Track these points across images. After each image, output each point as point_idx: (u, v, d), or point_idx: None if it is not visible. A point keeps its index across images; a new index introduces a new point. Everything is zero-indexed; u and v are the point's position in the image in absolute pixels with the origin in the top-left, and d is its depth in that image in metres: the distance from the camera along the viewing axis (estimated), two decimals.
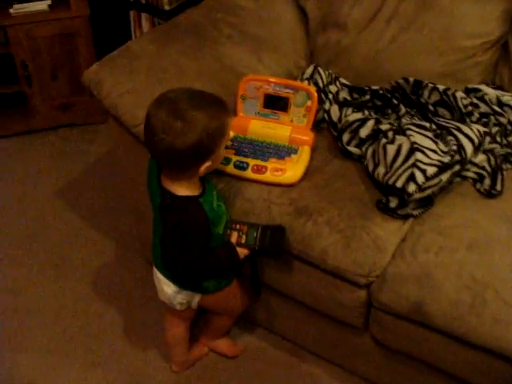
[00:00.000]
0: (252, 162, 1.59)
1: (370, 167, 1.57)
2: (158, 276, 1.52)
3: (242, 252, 1.44)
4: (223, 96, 1.63)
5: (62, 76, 2.66)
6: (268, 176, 1.57)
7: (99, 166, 2.56)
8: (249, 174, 1.58)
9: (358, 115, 1.65)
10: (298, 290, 1.58)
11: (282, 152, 1.62)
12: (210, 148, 1.27)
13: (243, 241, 1.44)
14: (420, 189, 1.44)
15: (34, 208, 2.36)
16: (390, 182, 1.47)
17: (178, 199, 1.33)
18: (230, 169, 1.59)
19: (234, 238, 1.45)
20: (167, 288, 1.52)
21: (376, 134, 1.60)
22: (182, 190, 1.34)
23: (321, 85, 1.80)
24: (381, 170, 1.52)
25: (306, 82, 1.81)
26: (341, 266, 1.44)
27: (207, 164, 1.29)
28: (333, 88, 1.79)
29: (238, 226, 1.46)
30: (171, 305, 1.56)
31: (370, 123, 1.62)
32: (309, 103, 1.63)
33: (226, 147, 1.59)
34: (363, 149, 1.62)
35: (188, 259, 1.35)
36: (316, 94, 1.62)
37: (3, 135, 2.73)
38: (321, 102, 1.76)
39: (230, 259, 1.43)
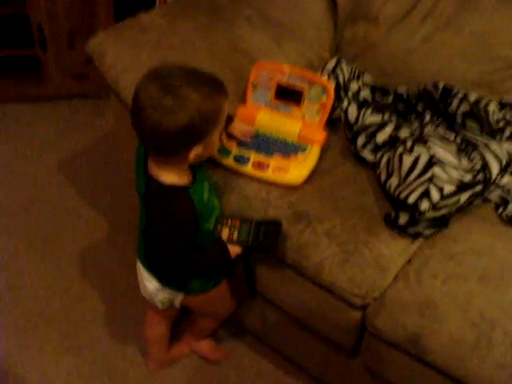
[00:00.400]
0: (254, 156, 1.46)
1: (383, 177, 1.42)
2: (141, 270, 1.39)
3: (234, 250, 1.30)
4: (233, 81, 1.53)
5: (79, 44, 2.53)
6: (269, 174, 1.43)
7: (105, 141, 2.45)
8: (248, 169, 1.44)
9: (377, 118, 1.50)
10: (290, 301, 1.45)
11: (289, 149, 1.48)
12: (201, 131, 1.13)
13: (235, 237, 1.30)
14: (434, 207, 1.29)
15: (32, 178, 2.26)
16: (402, 196, 1.33)
17: (164, 188, 1.20)
18: (229, 161, 1.46)
19: (225, 234, 1.31)
20: (149, 284, 1.39)
21: (394, 141, 1.45)
22: (170, 177, 1.20)
23: (341, 80, 1.65)
24: (393, 181, 1.37)
25: (326, 76, 1.66)
26: (336, 283, 1.31)
27: (198, 150, 1.16)
28: (354, 85, 1.64)
29: (229, 222, 1.33)
30: (152, 302, 1.44)
31: (389, 128, 1.47)
32: (324, 99, 1.49)
33: (229, 137, 1.46)
34: (378, 155, 1.48)
35: (172, 256, 1.22)
36: (333, 91, 1.48)
37: (14, 100, 2.62)
38: (339, 99, 1.61)
39: (221, 258, 1.29)
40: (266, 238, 1.30)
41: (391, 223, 1.36)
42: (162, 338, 1.64)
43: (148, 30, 1.59)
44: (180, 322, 1.72)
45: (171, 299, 1.42)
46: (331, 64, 1.71)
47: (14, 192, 2.20)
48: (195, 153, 1.16)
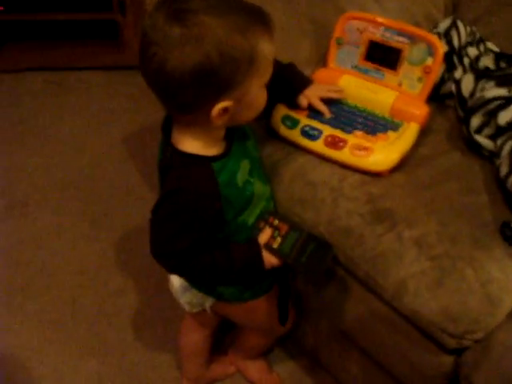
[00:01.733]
0: (328, 130, 1.10)
1: (504, 171, 1.03)
2: None
3: (270, 260, 0.96)
4: (311, 36, 1.19)
5: None
6: (345, 154, 1.07)
7: None
8: (319, 146, 1.09)
9: (502, 91, 1.10)
10: (355, 325, 1.09)
11: (377, 125, 1.12)
12: (225, 78, 0.79)
13: (276, 245, 0.96)
14: None
15: (93, 150, 2.03)
16: None
17: (179, 155, 0.88)
18: (294, 134, 1.11)
19: (265, 236, 0.97)
20: (175, 280, 1.10)
21: None
22: (190, 144, 0.88)
23: (456, 44, 1.25)
24: None
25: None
26: (422, 312, 0.93)
27: (225, 105, 0.82)
28: (472, 51, 1.24)
29: (275, 222, 0.98)
30: (179, 303, 1.13)
31: None
32: (429, 61, 1.11)
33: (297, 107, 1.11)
34: (498, 142, 1.08)
35: (181, 248, 0.90)
36: (442, 51, 1.09)
37: (90, 67, 2.42)
38: (451, 68, 1.22)
39: (248, 263, 0.95)
40: (309, 263, 0.94)
41: (511, 236, 0.96)
42: (198, 350, 1.32)
43: None
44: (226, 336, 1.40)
45: (201, 303, 1.10)
46: (444, 24, 1.31)
47: (69, 164, 1.97)
48: (220, 108, 0.82)
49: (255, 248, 0.95)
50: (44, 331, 1.49)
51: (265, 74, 0.84)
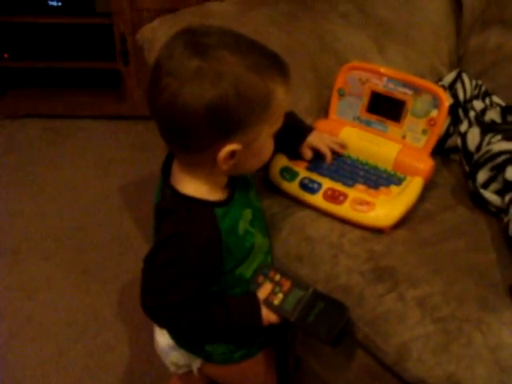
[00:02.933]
0: (327, 183, 1.05)
1: None
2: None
3: (269, 317, 0.90)
4: (314, 86, 1.17)
5: None
6: (345, 209, 1.02)
7: None
8: (318, 199, 1.04)
9: (510, 145, 1.05)
10: None
11: (379, 179, 1.07)
12: (239, 118, 0.75)
13: (277, 301, 0.90)
14: None
15: (88, 199, 2.00)
16: None
17: (180, 198, 0.83)
18: (293, 188, 1.06)
19: (265, 291, 0.91)
20: (161, 339, 1.03)
21: None
22: (192, 186, 0.83)
23: (461, 97, 1.23)
24: None
25: None
26: (427, 379, 0.86)
27: (232, 147, 0.77)
28: (478, 104, 1.21)
29: (277, 277, 0.92)
30: (164, 362, 1.06)
31: None
32: (434, 113, 1.07)
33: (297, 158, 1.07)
34: (506, 198, 1.03)
35: (175, 300, 0.83)
36: (447, 102, 1.06)
37: (91, 115, 2.41)
38: (456, 121, 1.19)
39: (246, 320, 0.89)
40: (318, 323, 0.88)
41: None
42: None
43: (212, 17, 1.25)
44: None
45: (188, 364, 1.03)
46: (449, 77, 1.29)
47: (64, 212, 1.94)
48: (227, 151, 0.77)
49: (254, 303, 0.89)
50: None
51: (276, 123, 0.81)
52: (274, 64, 0.78)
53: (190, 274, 0.82)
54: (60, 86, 2.41)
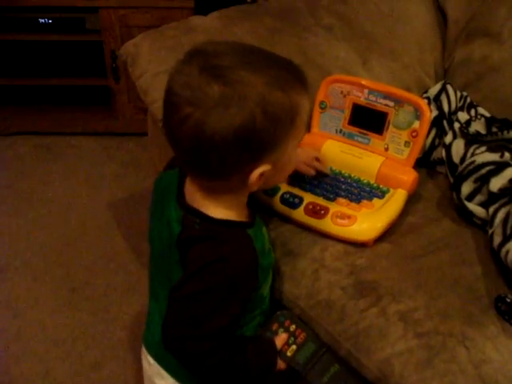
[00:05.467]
0: (309, 197, 1.04)
1: (497, 240, 0.96)
2: (150, 362, 0.96)
3: (279, 365, 0.89)
4: None
5: None
6: (327, 223, 1.00)
7: None
8: (299, 214, 1.03)
9: (494, 156, 1.05)
10: None
11: (361, 192, 1.06)
12: (267, 139, 0.73)
13: (289, 353, 0.89)
14: None
15: (78, 215, 1.98)
16: None
17: (215, 224, 0.80)
18: (274, 202, 1.06)
19: (280, 341, 0.89)
20: (160, 382, 0.96)
21: None
22: (220, 210, 0.81)
23: (446, 109, 1.22)
24: None
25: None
26: None
27: (263, 169, 0.75)
28: (463, 116, 1.20)
29: (292, 327, 0.91)
30: None
31: (510, 172, 1.00)
32: (416, 125, 1.06)
33: None
34: (491, 210, 1.01)
35: (221, 324, 0.80)
36: (428, 112, 1.05)
37: (82, 132, 2.40)
38: (441, 134, 1.18)
39: (261, 367, 0.86)
40: None
41: (506, 312, 0.89)
42: None
43: (195, 31, 1.25)
44: None
45: None
46: (434, 89, 1.28)
47: (53, 229, 1.92)
48: (260, 172, 0.75)
49: (273, 352, 0.87)
50: None
51: (300, 133, 0.79)
52: (292, 74, 0.76)
53: (231, 299, 0.79)
54: (51, 103, 2.39)
